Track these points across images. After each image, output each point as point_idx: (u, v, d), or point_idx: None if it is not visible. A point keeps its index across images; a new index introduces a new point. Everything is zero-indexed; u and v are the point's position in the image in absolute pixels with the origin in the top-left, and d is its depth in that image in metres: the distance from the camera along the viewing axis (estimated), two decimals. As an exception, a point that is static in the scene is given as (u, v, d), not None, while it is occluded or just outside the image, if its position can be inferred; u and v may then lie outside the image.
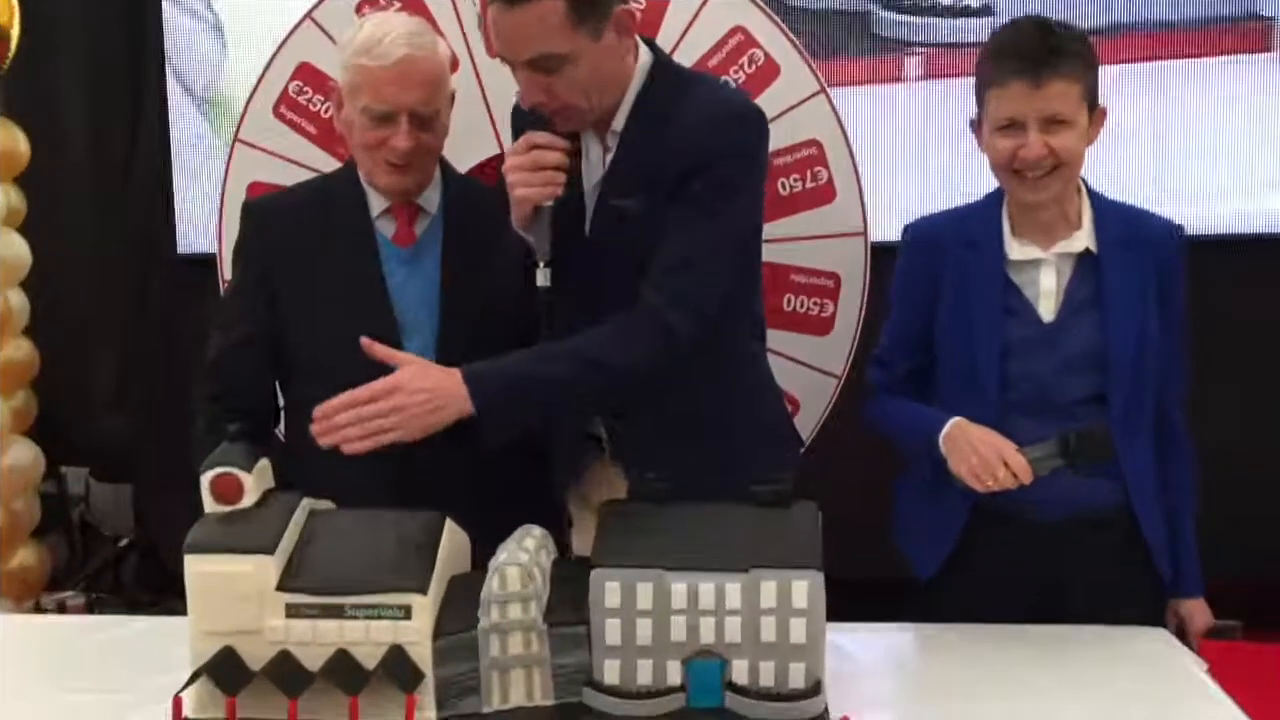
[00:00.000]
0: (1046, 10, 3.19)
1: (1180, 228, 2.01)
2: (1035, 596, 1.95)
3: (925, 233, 2.07)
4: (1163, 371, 1.96)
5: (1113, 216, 1.97)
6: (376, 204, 2.09)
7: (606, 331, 1.79)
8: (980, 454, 1.82)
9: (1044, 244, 1.95)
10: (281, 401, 2.19)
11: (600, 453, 2.05)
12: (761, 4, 2.48)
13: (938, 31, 3.35)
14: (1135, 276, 1.94)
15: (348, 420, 1.66)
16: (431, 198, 2.11)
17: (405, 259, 2.09)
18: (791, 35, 2.47)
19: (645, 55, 1.91)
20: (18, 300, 3.40)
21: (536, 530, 1.59)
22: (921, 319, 2.03)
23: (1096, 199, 1.98)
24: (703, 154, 1.80)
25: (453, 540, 1.60)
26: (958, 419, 1.89)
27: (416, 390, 1.68)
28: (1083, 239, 1.94)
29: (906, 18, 3.37)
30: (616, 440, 2.01)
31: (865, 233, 2.49)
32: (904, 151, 3.37)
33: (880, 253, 2.46)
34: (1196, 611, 2.02)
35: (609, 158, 1.91)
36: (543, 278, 1.84)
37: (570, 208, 1.90)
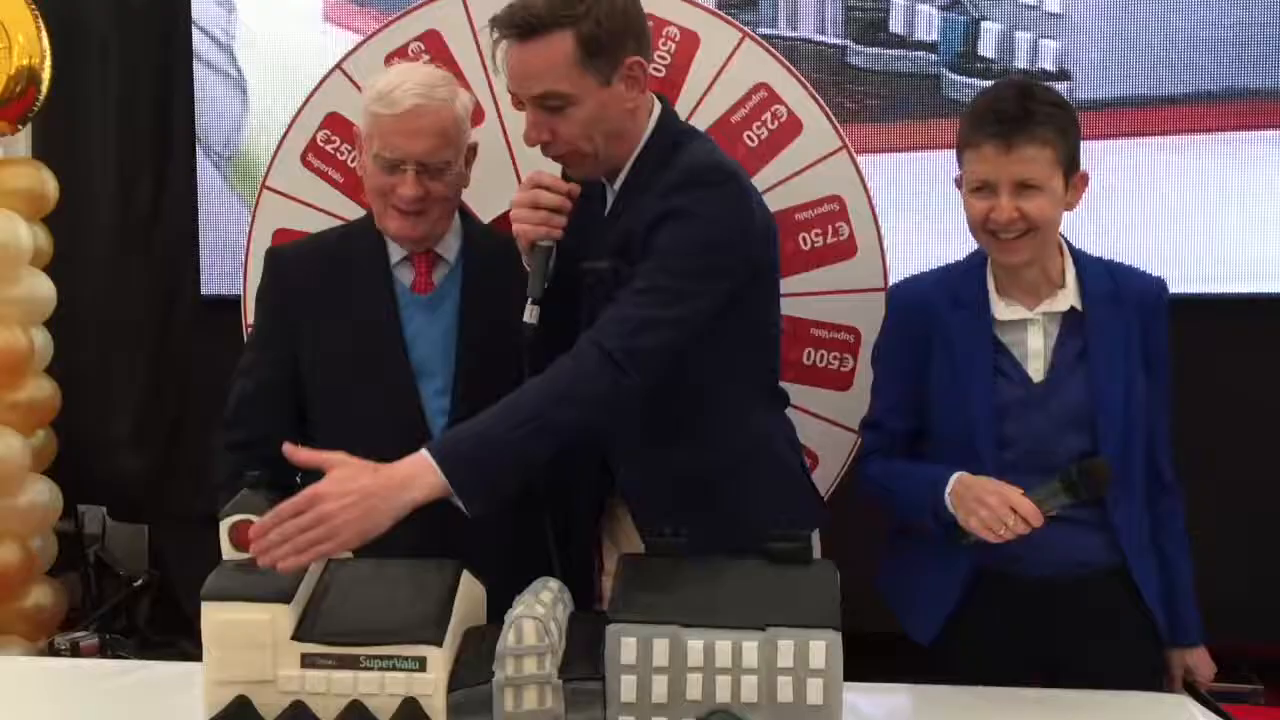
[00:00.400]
0: (1125, 78, 3.17)
1: (1163, 282, 2.02)
2: (1035, 653, 1.95)
3: (912, 294, 2.08)
4: (1150, 424, 1.98)
5: (1097, 274, 1.99)
6: (395, 252, 2.11)
7: (554, 373, 1.71)
8: (989, 505, 1.81)
9: (1029, 304, 1.96)
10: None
11: (623, 501, 2.06)
12: (785, 61, 2.50)
13: None
14: (1120, 333, 1.95)
15: (277, 538, 1.48)
16: (450, 246, 2.13)
17: (423, 306, 2.11)
18: (814, 91, 2.49)
19: (654, 118, 1.91)
20: (42, 339, 3.43)
21: (553, 583, 1.59)
22: (912, 381, 2.02)
23: (1080, 257, 2.00)
24: (665, 207, 1.78)
25: (469, 591, 1.60)
26: (960, 474, 1.89)
27: (343, 494, 1.52)
28: (1068, 298, 1.96)
29: (979, 81, 3.25)
30: (630, 499, 2.02)
31: (886, 288, 2.49)
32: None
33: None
34: (1201, 661, 2.02)
35: (605, 219, 1.94)
36: (529, 314, 1.84)
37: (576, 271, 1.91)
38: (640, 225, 1.81)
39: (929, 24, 3.30)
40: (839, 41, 3.33)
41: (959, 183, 1.96)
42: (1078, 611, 1.94)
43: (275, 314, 2.14)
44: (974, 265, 2.01)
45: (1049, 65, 3.25)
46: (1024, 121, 1.85)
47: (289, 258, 2.19)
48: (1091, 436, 1.92)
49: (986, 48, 3.29)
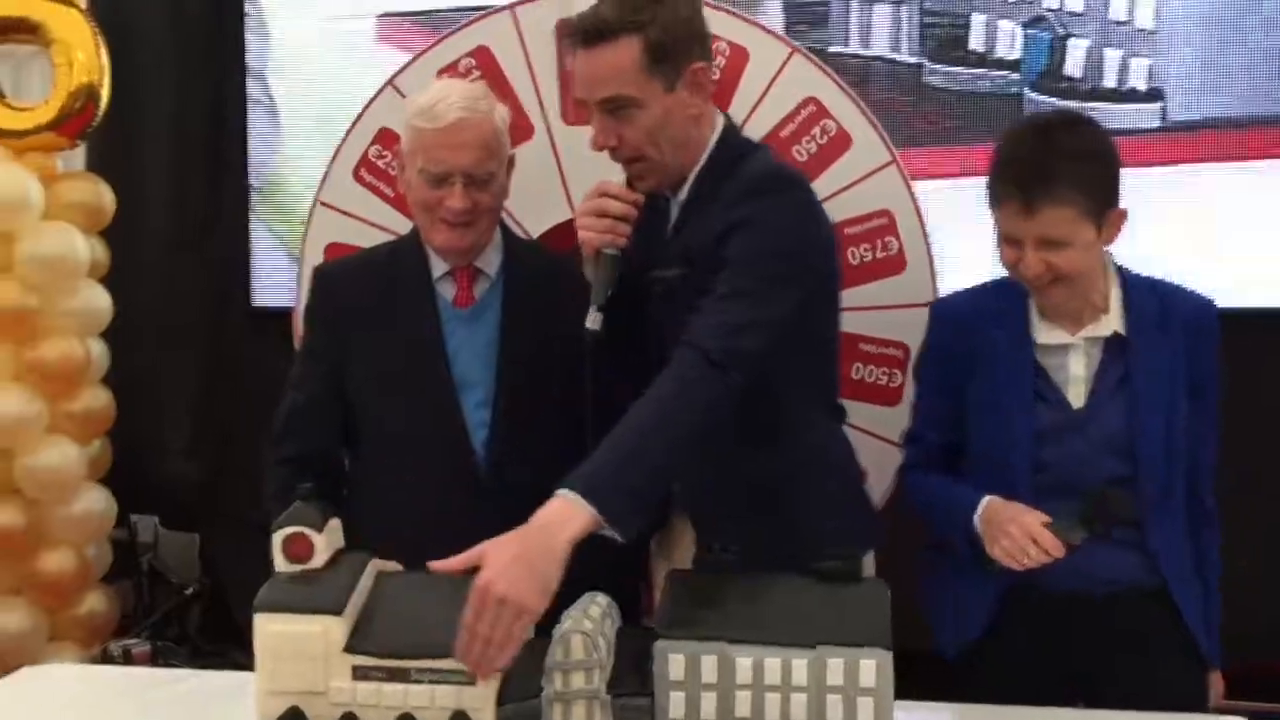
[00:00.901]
0: (1221, 98, 3.00)
1: (1212, 304, 1.98)
2: (1070, 674, 1.93)
3: (954, 310, 2.07)
4: (1194, 450, 1.95)
5: (1144, 296, 1.95)
6: (438, 267, 2.13)
7: (664, 388, 1.71)
8: (1010, 535, 1.81)
9: (1071, 328, 1.94)
10: (347, 462, 2.22)
11: (682, 512, 2.08)
12: (834, 75, 2.50)
13: (1100, 117, 3.13)
14: (1165, 358, 1.92)
15: (480, 648, 1.46)
16: (492, 260, 2.15)
17: (464, 320, 2.13)
18: (864, 106, 2.48)
19: (718, 130, 1.93)
20: (98, 350, 3.48)
21: (601, 598, 1.59)
22: (952, 398, 2.02)
23: (1128, 279, 1.97)
24: (736, 216, 1.81)
25: (518, 606, 1.59)
26: (990, 499, 1.88)
27: (505, 569, 1.48)
28: (1111, 323, 1.93)
29: (1063, 102, 3.11)
30: (690, 505, 2.02)
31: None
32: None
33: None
34: (1215, 682, 2.00)
35: (670, 229, 1.95)
36: (592, 321, 1.85)
37: (641, 280, 1.93)
38: (709, 236, 1.83)
39: (1011, 41, 3.17)
40: (914, 60, 3.22)
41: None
42: (1106, 628, 1.92)
43: (322, 330, 2.18)
44: (1016, 285, 1.96)
45: (1140, 84, 3.10)
46: (1044, 182, 1.80)
47: (335, 275, 2.22)
48: (1131, 463, 1.90)
49: (1073, 66, 3.14)
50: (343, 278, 2.20)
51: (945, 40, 3.21)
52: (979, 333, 1.98)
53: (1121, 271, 1.97)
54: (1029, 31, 3.19)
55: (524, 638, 1.49)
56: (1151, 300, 1.95)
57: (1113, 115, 3.11)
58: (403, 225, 2.51)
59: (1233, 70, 3.06)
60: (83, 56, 3.31)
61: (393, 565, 1.65)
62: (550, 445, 1.93)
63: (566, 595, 1.58)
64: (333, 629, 1.48)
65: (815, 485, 2.01)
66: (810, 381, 2.04)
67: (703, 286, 1.79)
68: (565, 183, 2.53)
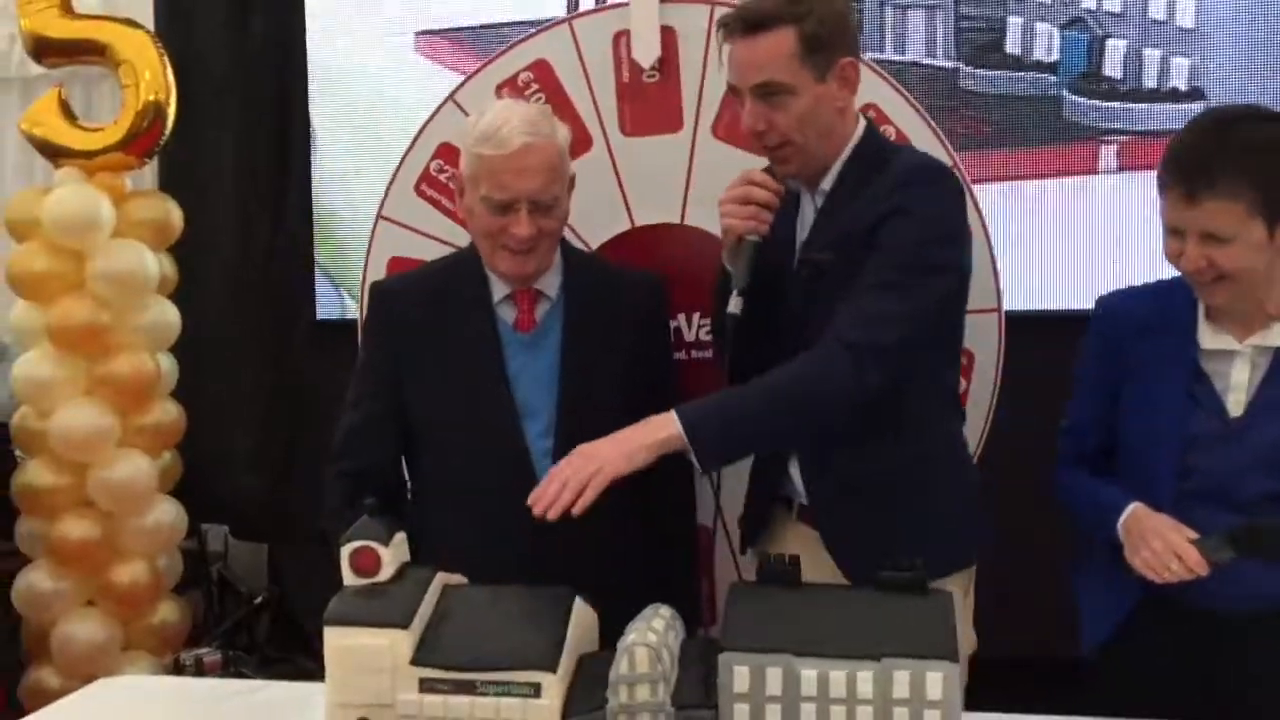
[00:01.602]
0: (1265, 98, 2.94)
1: None
2: (1211, 693, 1.87)
3: (1117, 307, 2.01)
4: None
5: None
6: (498, 290, 2.11)
7: (800, 364, 1.85)
8: (1153, 548, 1.78)
9: (1239, 334, 1.87)
10: (408, 477, 2.23)
11: (788, 514, 2.11)
12: (893, 81, 2.48)
13: (1140, 118, 3.09)
14: None
15: (556, 487, 1.70)
16: (552, 282, 2.13)
17: (525, 344, 2.10)
18: (924, 111, 2.46)
19: (861, 127, 2.01)
20: (168, 364, 3.54)
21: (665, 610, 1.59)
22: (1106, 397, 1.98)
23: None
24: (890, 205, 1.89)
25: (582, 618, 1.60)
26: (1135, 506, 1.85)
27: (597, 442, 1.75)
28: None
29: (1103, 103, 3.10)
30: (813, 498, 2.05)
31: (1000, 309, 2.45)
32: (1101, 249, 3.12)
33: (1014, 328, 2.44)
34: None
35: (815, 216, 2.00)
36: (734, 305, 1.91)
37: (780, 267, 1.98)
38: (862, 223, 1.90)
39: (1049, 43, 3.15)
40: (950, 64, 3.21)
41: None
42: (1247, 648, 1.86)
43: (380, 348, 2.16)
44: (1185, 285, 1.90)
45: (1181, 84, 3.06)
46: (1208, 172, 1.75)
47: (393, 292, 2.20)
48: None
49: (1112, 67, 3.11)
50: (400, 296, 2.18)
51: (981, 44, 3.20)
52: (1141, 332, 1.93)
53: None
54: (1066, 33, 3.16)
55: (596, 491, 1.67)
56: None
57: (1153, 115, 3.09)
58: (464, 238, 2.53)
59: (1274, 67, 3.01)
60: (150, 76, 3.37)
61: (458, 578, 1.66)
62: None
63: (631, 607, 1.59)
64: (400, 642, 1.49)
65: (934, 482, 2.04)
66: (938, 378, 2.08)
67: (851, 271, 1.87)
68: (624, 194, 2.53)
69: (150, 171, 3.77)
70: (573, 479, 1.69)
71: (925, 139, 2.43)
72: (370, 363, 2.18)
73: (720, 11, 2.41)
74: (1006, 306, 2.46)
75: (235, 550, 4.05)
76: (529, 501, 1.70)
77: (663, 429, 1.75)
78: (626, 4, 2.52)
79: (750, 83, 1.91)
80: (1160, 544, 1.78)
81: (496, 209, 2.01)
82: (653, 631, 1.50)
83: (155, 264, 3.43)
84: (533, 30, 2.61)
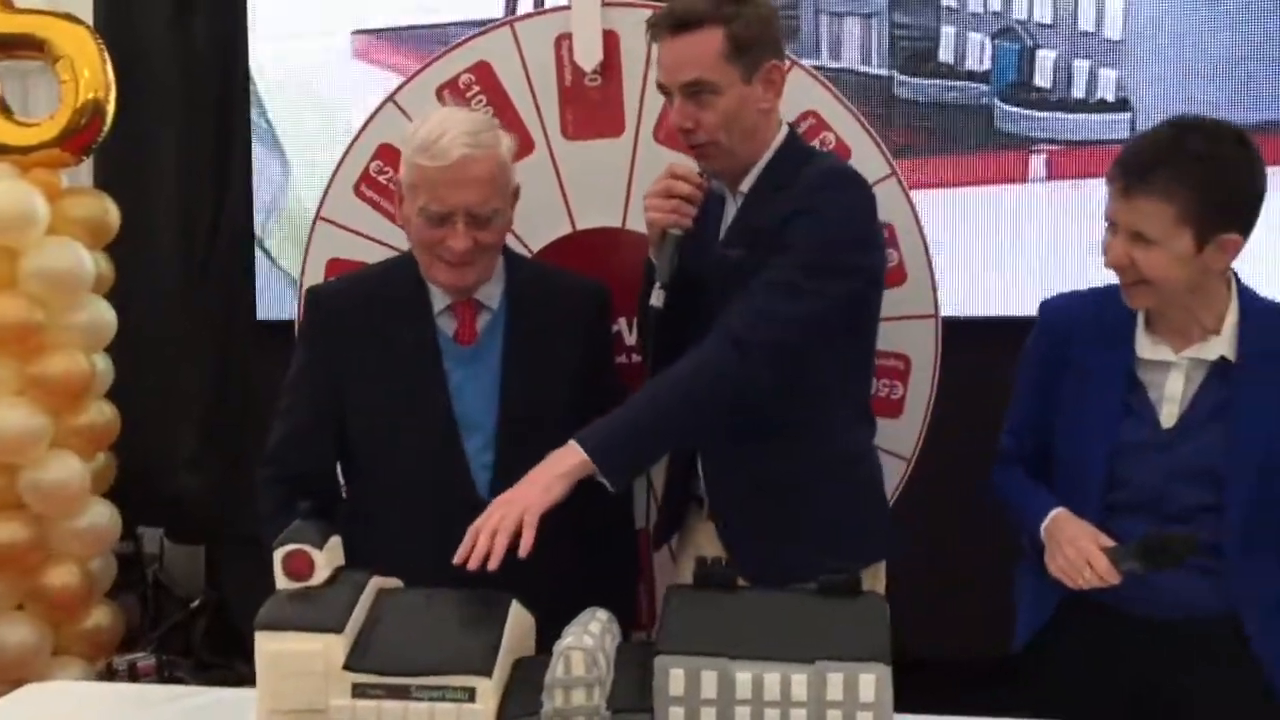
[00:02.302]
0: (1189, 108, 2.90)
1: None
2: (1130, 694, 1.91)
3: (1059, 312, 2.03)
4: None
5: (1264, 323, 1.87)
6: (438, 300, 2.08)
7: (692, 361, 1.88)
8: (1067, 555, 1.81)
9: (1177, 345, 1.88)
10: (343, 482, 2.21)
11: (699, 511, 2.15)
12: (833, 88, 2.51)
13: (1069, 128, 3.15)
14: (1274, 389, 1.83)
15: (484, 543, 1.70)
16: (493, 293, 2.09)
17: (466, 357, 2.07)
18: (863, 119, 2.49)
19: (783, 132, 2.06)
20: (103, 365, 3.49)
21: (601, 613, 1.59)
22: (1046, 400, 2.00)
23: (1248, 301, 1.88)
24: (802, 204, 1.94)
25: (518, 622, 1.60)
26: (1058, 512, 1.88)
27: (508, 492, 1.77)
28: (1220, 346, 1.86)
29: (1034, 113, 3.15)
30: (716, 500, 2.08)
31: (936, 315, 2.49)
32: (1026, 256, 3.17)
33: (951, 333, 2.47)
34: None
35: (735, 215, 2.04)
36: (657, 298, 1.96)
37: (702, 263, 2.02)
38: (774, 220, 1.94)
39: (980, 53, 3.19)
40: (884, 72, 3.25)
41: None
42: (1167, 652, 1.88)
43: (317, 353, 2.12)
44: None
45: (1109, 95, 3.12)
46: (1149, 170, 1.77)
47: (331, 297, 2.17)
48: (1216, 491, 1.85)
49: (1042, 77, 3.16)
50: (336, 301, 2.14)
51: (915, 53, 3.24)
52: (1082, 336, 1.94)
53: (1244, 294, 1.89)
54: (998, 43, 3.21)
55: (533, 529, 1.70)
56: (1272, 328, 1.87)
57: (1082, 125, 3.15)
58: (404, 241, 2.51)
59: (1200, 79, 3.08)
60: (89, 73, 3.32)
61: (393, 582, 1.66)
62: None
63: (567, 611, 1.59)
64: (333, 647, 1.48)
65: (839, 487, 2.07)
66: (844, 383, 2.11)
67: (761, 269, 1.91)
68: (566, 198, 2.54)
69: (87, 167, 3.70)
70: (501, 525, 1.70)
71: (865, 147, 2.45)
72: (306, 368, 2.13)
73: (663, 16, 2.43)
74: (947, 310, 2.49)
75: (171, 553, 3.99)
76: (455, 561, 1.69)
77: (568, 459, 1.78)
78: (568, 7, 2.52)
79: (679, 80, 1.95)
80: (1074, 551, 1.81)
81: (433, 220, 1.97)
82: (589, 635, 1.50)
83: (91, 262, 3.37)
84: (473, 32, 2.60)
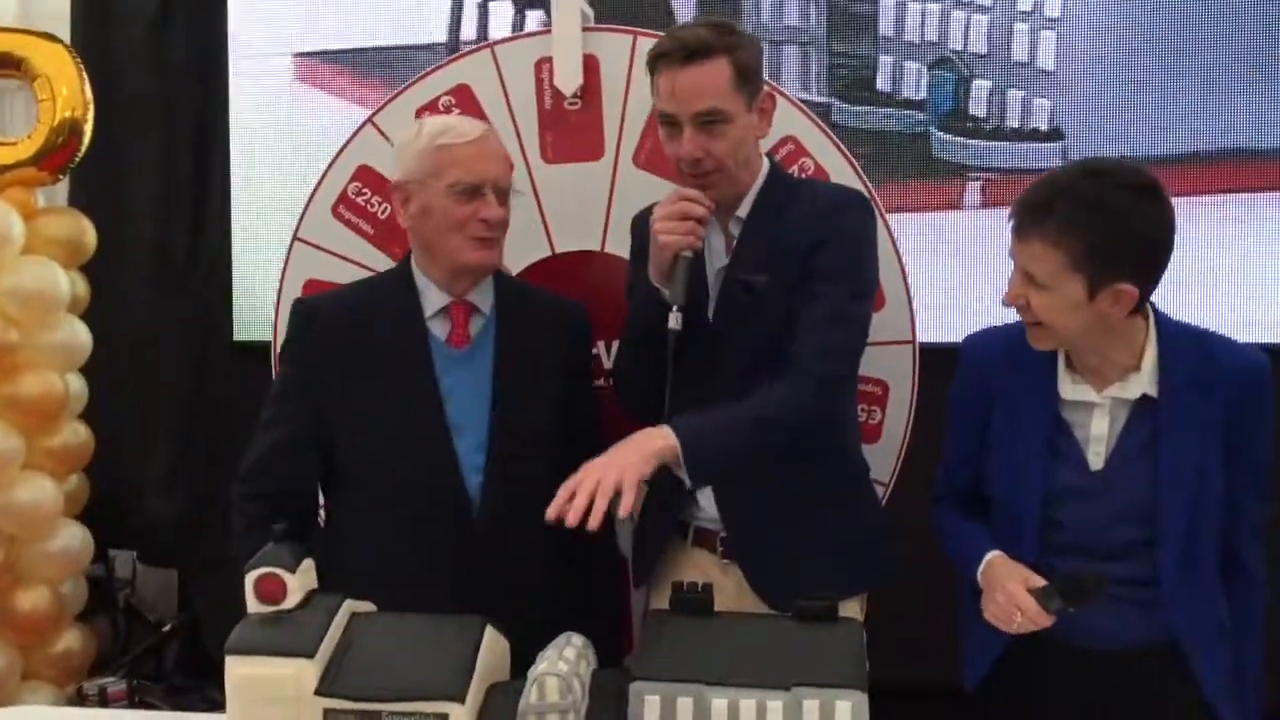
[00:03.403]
0: (1120, 137, 3.06)
1: (1265, 363, 1.86)
2: None
3: (981, 349, 2.01)
4: (1232, 510, 1.86)
5: (1184, 353, 1.84)
6: (430, 305, 2.10)
7: (774, 393, 1.93)
8: (998, 602, 1.82)
9: (1098, 384, 1.86)
10: (323, 501, 2.20)
11: (683, 541, 2.16)
12: (813, 115, 2.52)
13: (1004, 156, 3.21)
14: (1199, 422, 1.82)
15: (581, 499, 1.71)
16: (485, 298, 2.14)
17: (458, 360, 2.10)
18: (842, 146, 2.50)
19: (767, 161, 2.12)
20: (77, 385, 3.46)
21: (577, 639, 1.57)
22: (975, 436, 1.99)
23: (1167, 334, 1.86)
24: (827, 229, 2.00)
25: (492, 647, 1.58)
26: (993, 556, 1.88)
27: (601, 458, 1.77)
28: (1141, 383, 1.84)
29: (969, 141, 3.22)
30: (731, 524, 2.10)
31: (914, 341, 2.49)
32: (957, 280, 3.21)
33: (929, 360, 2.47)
34: None
35: (734, 242, 2.07)
36: (675, 321, 1.95)
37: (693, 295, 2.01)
38: (794, 245, 2.00)
39: (917, 82, 3.26)
40: (823, 99, 3.31)
41: None
42: (1112, 686, 1.89)
43: (302, 367, 2.12)
44: None
45: (1042, 124, 3.20)
46: (1043, 214, 1.74)
47: (317, 310, 2.17)
48: (1150, 529, 1.84)
49: (977, 106, 3.24)
50: (325, 313, 2.15)
51: (853, 81, 3.30)
52: (1005, 375, 1.92)
53: (1163, 327, 1.86)
54: (934, 73, 3.27)
55: (633, 491, 1.71)
56: (1193, 358, 1.84)
57: (1016, 154, 3.22)
58: (382, 263, 2.51)
59: (1130, 110, 3.15)
60: (66, 92, 3.32)
61: (366, 606, 1.63)
62: (546, 488, 1.91)
63: (543, 636, 1.58)
64: (305, 671, 1.46)
65: (854, 507, 2.16)
66: (852, 405, 2.21)
67: (778, 291, 1.99)
68: (545, 221, 2.53)
69: (63, 187, 3.69)
70: (601, 487, 1.70)
71: (843, 172, 2.46)
72: (290, 382, 2.13)
73: (643, 41, 2.44)
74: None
75: (143, 576, 3.95)
76: (549, 515, 1.72)
77: (659, 439, 1.80)
78: (549, 31, 2.53)
79: (692, 110, 1.96)
80: (1003, 597, 1.80)
81: (464, 195, 2.04)
82: (564, 661, 1.49)
83: (66, 282, 3.36)
84: (454, 54, 2.61)
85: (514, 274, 2.49)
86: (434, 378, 2.07)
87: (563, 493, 1.72)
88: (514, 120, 2.54)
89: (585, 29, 2.51)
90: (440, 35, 3.58)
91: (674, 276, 1.97)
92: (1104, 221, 1.72)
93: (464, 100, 2.55)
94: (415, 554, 2.02)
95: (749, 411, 1.90)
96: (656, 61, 1.99)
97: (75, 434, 3.46)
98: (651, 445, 1.78)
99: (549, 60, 2.52)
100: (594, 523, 1.69)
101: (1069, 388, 1.88)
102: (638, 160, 2.51)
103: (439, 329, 2.11)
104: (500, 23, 3.53)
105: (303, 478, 2.13)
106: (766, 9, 3.33)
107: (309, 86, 3.67)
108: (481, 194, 2.05)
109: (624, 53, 2.49)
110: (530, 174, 2.53)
